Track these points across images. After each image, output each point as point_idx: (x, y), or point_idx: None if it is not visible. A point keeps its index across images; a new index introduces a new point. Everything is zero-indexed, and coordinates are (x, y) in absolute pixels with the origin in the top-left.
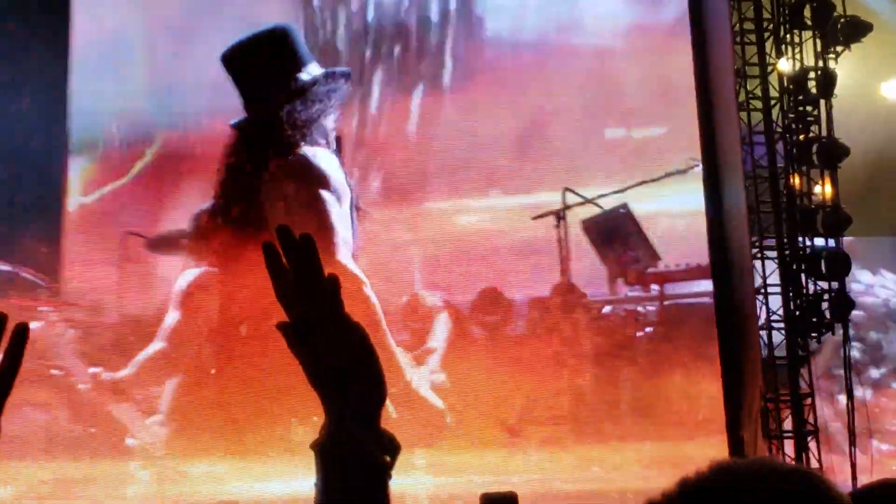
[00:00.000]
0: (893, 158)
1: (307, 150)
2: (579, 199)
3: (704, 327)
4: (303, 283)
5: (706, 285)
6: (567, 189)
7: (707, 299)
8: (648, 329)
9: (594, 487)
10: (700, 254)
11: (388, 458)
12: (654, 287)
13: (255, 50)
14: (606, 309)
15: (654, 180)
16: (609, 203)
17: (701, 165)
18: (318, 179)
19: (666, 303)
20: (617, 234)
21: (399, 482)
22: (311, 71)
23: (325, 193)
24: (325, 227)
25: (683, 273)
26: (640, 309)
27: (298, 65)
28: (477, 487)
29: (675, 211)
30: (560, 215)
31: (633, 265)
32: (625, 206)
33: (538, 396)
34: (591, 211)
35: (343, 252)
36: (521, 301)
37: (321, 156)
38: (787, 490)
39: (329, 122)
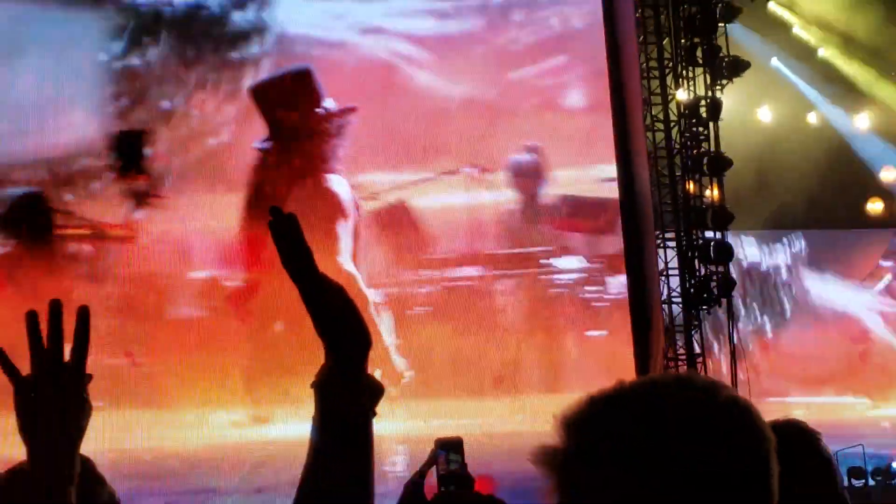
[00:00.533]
0: (768, 169)
1: (327, 177)
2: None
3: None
4: (288, 248)
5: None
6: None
7: (470, 282)
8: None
9: (521, 429)
10: (458, 240)
11: (371, 399)
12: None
13: (281, 85)
14: (392, 290)
15: (429, 179)
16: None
17: (469, 169)
18: (332, 203)
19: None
20: (397, 224)
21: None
22: (327, 106)
23: (336, 213)
24: (332, 238)
25: (455, 259)
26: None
27: (318, 100)
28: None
29: (450, 205)
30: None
31: (412, 252)
32: (401, 201)
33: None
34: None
35: (343, 256)
36: None
37: (336, 182)
38: (703, 397)
39: (340, 150)
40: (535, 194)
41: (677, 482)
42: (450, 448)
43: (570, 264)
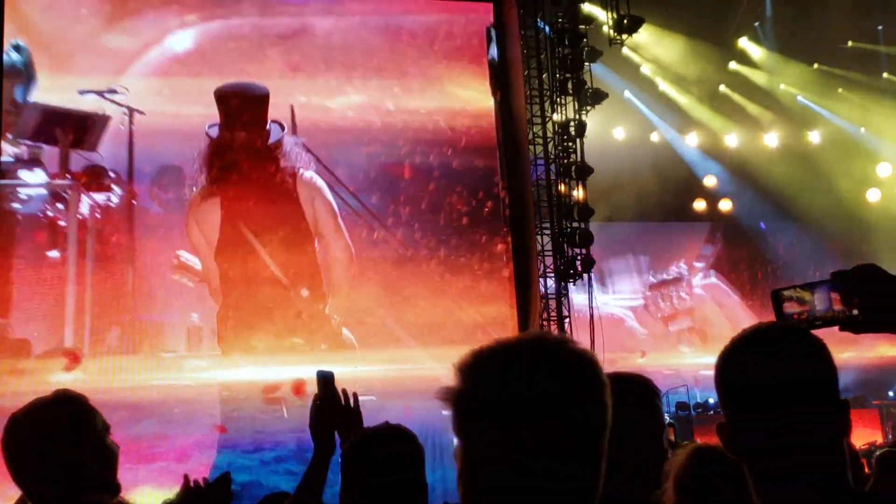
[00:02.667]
0: (621, 175)
1: (309, 173)
2: None
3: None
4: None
5: None
6: None
7: None
8: None
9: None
10: None
11: None
12: None
13: (243, 94)
14: None
15: None
16: None
17: None
18: (324, 189)
19: None
20: None
21: None
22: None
23: (331, 198)
24: (335, 216)
25: None
26: None
27: (265, 121)
28: None
29: None
30: None
31: None
32: None
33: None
34: None
35: (344, 229)
36: None
37: (316, 178)
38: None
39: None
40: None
41: (539, 420)
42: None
43: (36, 178)
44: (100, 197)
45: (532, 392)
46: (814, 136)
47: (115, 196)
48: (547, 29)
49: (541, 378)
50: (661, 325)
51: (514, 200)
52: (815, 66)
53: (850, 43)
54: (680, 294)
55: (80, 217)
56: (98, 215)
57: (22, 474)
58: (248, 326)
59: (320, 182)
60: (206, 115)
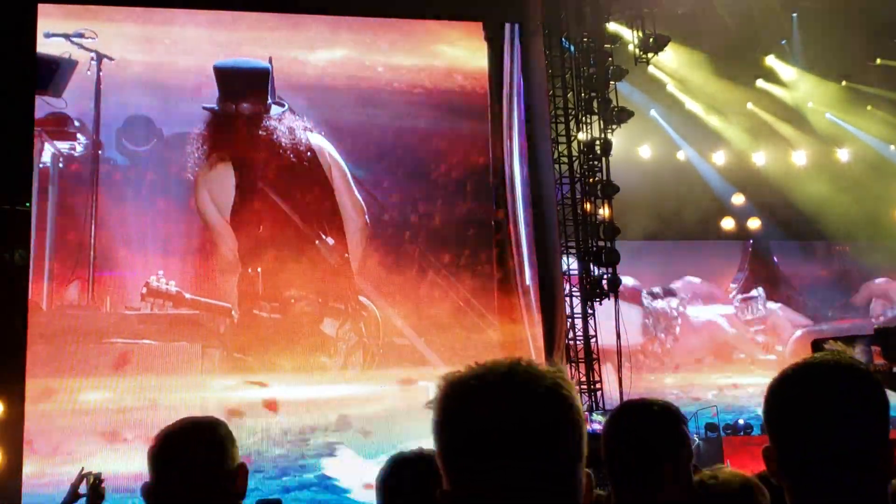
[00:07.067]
0: (647, 194)
1: (316, 135)
2: None
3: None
4: None
5: None
6: None
7: None
8: None
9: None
10: None
11: None
12: None
13: (243, 72)
14: None
15: None
16: None
17: None
18: (332, 150)
19: None
20: None
21: None
22: (272, 102)
23: (339, 157)
24: (345, 174)
25: None
26: None
27: (266, 96)
28: None
29: None
30: None
31: None
32: None
33: None
34: None
35: (354, 187)
36: None
37: (323, 139)
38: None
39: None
40: None
41: (517, 451)
42: None
43: None
44: (63, 146)
45: (509, 423)
46: (842, 154)
47: (79, 145)
48: (572, 48)
49: (518, 409)
50: (747, 328)
51: (540, 220)
52: (844, 83)
53: (878, 60)
54: (758, 307)
55: (43, 166)
56: (61, 165)
57: (164, 489)
58: (278, 282)
59: (328, 143)
60: (180, 66)
